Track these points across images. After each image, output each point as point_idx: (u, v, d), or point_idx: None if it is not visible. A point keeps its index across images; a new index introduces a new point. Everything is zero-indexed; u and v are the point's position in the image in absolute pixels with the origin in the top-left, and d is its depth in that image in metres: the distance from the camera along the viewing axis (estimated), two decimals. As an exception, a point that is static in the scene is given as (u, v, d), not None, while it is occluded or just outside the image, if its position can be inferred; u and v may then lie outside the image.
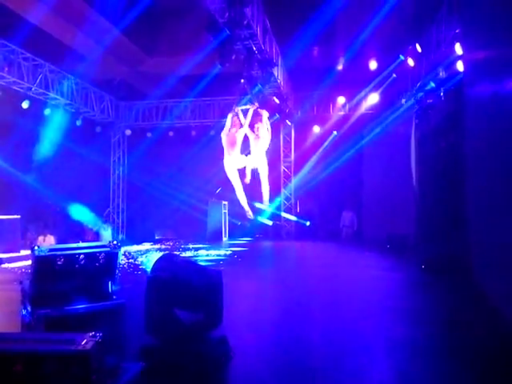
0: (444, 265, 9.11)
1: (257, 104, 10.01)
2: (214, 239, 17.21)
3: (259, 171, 9.65)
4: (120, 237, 17.74)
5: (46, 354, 2.91)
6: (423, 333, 5.56)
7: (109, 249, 4.60)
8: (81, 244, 4.68)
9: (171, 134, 18.03)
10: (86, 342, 2.86)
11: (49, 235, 14.60)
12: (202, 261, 12.17)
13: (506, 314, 5.48)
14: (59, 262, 4.37)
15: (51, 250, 4.55)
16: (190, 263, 4.96)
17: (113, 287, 4.61)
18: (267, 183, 9.88)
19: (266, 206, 10.70)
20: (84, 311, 4.23)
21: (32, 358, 2.89)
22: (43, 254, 4.29)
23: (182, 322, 4.36)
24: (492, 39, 6.64)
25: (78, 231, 14.97)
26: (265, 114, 9.82)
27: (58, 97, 14.17)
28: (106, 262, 4.61)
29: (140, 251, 14.35)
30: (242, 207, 10.43)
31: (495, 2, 6.55)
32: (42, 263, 4.28)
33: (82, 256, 4.48)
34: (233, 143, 9.40)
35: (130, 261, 12.01)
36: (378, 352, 5.11)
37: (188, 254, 13.73)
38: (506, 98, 5.72)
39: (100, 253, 4.60)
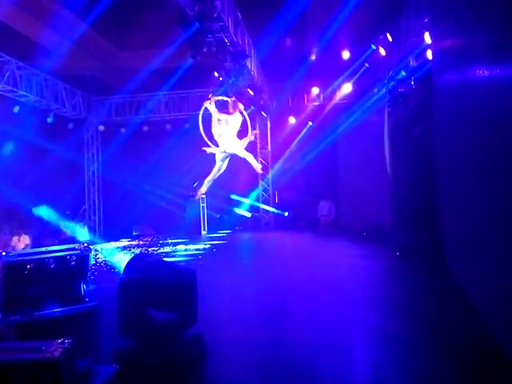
0: (418, 252, 9.30)
1: (233, 98, 9.88)
2: (193, 233, 17.17)
3: (237, 153, 9.52)
4: (95, 235, 17.52)
5: (15, 363, 2.90)
6: (396, 322, 5.68)
7: (79, 251, 4.56)
8: (50, 248, 4.62)
9: (146, 128, 17.83)
10: (55, 349, 2.85)
11: (23, 235, 14.32)
12: (180, 256, 12.16)
13: (477, 301, 5.63)
14: (29, 267, 4.32)
15: (20, 254, 4.49)
16: (163, 263, 4.95)
17: (85, 289, 4.58)
18: (248, 155, 9.74)
19: (259, 169, 10.76)
20: (56, 315, 4.20)
21: (1, 367, 2.87)
22: (11, 259, 4.22)
23: (156, 322, 4.36)
24: (458, 28, 6.73)
25: (54, 230, 14.73)
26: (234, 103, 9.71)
27: (26, 94, 13.83)
28: (78, 264, 4.57)
29: (117, 247, 14.24)
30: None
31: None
32: (11, 268, 4.21)
33: (52, 260, 4.45)
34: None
35: (107, 258, 11.90)
36: (353, 343, 5.20)
37: (166, 249, 13.68)
38: (470, 86, 5.82)
39: (71, 256, 4.56)
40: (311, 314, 6.27)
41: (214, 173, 9.75)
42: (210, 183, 10.03)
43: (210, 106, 9.15)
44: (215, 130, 9.24)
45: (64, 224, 14.76)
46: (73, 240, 13.92)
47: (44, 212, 14.52)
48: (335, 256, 11.43)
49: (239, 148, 9.40)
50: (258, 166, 10.26)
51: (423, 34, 9.94)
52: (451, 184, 7.77)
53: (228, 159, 9.65)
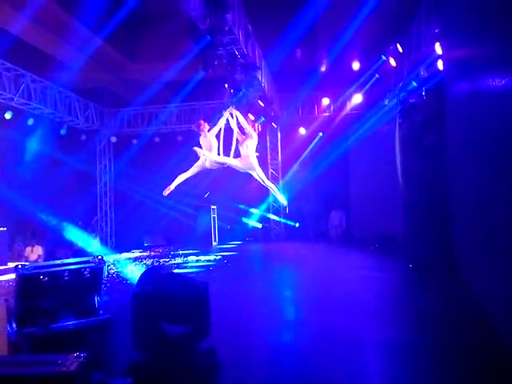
0: (431, 264, 9.19)
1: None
2: (204, 244, 17.20)
3: (256, 174, 9.29)
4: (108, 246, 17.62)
5: (31, 376, 2.91)
6: (410, 335, 5.62)
7: (94, 264, 4.60)
8: (65, 260, 4.66)
9: (157, 139, 17.99)
10: (71, 363, 2.86)
11: (36, 246, 14.49)
12: (191, 267, 12.17)
13: (491, 314, 5.55)
14: (44, 280, 4.36)
15: (35, 267, 4.53)
16: (176, 276, 4.97)
17: (99, 302, 4.61)
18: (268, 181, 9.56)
19: (283, 200, 10.60)
20: (70, 328, 4.22)
21: (17, 381, 2.89)
22: (27, 272, 4.27)
23: (169, 335, 4.36)
24: (469, 38, 6.73)
25: (67, 242, 14.85)
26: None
27: (40, 106, 14.07)
28: (92, 277, 4.60)
29: (129, 259, 14.30)
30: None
31: (473, 2, 6.64)
32: (27, 281, 4.26)
33: (66, 272, 4.49)
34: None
35: (120, 270, 11.95)
36: (367, 356, 5.15)
37: (177, 260, 13.71)
38: (482, 96, 5.80)
39: (85, 268, 4.60)
40: (323, 327, 6.22)
41: (190, 174, 9.42)
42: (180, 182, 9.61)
43: (231, 119, 8.81)
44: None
45: (77, 236, 14.90)
46: (85, 251, 14.02)
47: (75, 234, 14.65)
48: (347, 267, 11.35)
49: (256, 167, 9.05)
50: (280, 198, 10.04)
51: (434, 44, 9.96)
52: (464, 195, 7.70)
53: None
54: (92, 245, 15.70)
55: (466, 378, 4.30)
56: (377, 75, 14.71)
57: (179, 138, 17.74)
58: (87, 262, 4.56)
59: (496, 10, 4.84)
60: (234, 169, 9.22)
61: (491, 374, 4.29)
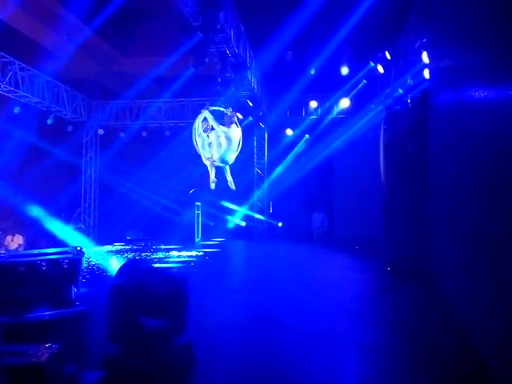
0: (408, 267, 9.36)
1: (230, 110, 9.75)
2: (187, 240, 17.20)
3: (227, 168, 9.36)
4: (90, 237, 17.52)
5: (0, 367, 2.91)
6: (384, 336, 5.74)
7: (72, 255, 4.60)
8: (43, 250, 4.65)
9: (144, 134, 17.93)
10: (42, 353, 2.87)
11: (17, 235, 14.31)
12: (173, 262, 12.18)
13: (464, 317, 5.70)
14: (20, 269, 4.35)
15: (12, 256, 4.53)
16: (155, 270, 4.99)
17: (76, 293, 4.60)
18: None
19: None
20: (45, 319, 4.19)
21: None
22: (3, 260, 4.26)
23: (146, 328, 4.38)
24: (455, 49, 6.88)
25: (48, 232, 14.73)
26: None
27: (28, 95, 13.94)
28: (70, 268, 4.58)
29: (111, 251, 14.25)
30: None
31: (460, 13, 6.79)
32: (2, 269, 4.24)
33: (44, 262, 4.48)
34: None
35: (100, 262, 11.92)
36: (342, 356, 5.25)
37: (159, 254, 13.71)
38: (465, 106, 5.94)
39: (63, 259, 4.58)
40: (301, 325, 6.31)
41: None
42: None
43: (208, 114, 9.01)
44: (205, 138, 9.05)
45: (59, 227, 14.78)
46: (66, 243, 13.93)
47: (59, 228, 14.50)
48: (327, 268, 11.49)
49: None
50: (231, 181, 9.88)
51: (421, 53, 10.10)
52: (442, 201, 7.87)
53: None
54: (74, 236, 15.60)
55: (438, 379, 4.42)
56: (364, 81, 14.89)
57: (167, 134, 17.73)
58: (66, 252, 4.54)
59: (479, 23, 4.99)
60: (218, 167, 9.29)
61: (463, 376, 4.41)
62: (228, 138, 8.77)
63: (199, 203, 18.28)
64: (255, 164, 18.86)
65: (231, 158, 8.97)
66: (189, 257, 13.36)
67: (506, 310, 3.87)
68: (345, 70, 15.25)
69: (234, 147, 8.87)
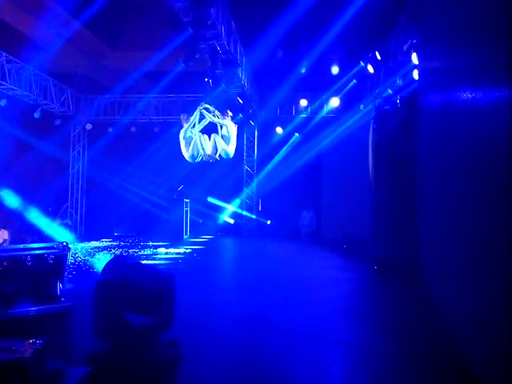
0: (395, 266, 9.44)
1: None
2: (175, 237, 17.14)
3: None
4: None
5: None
6: (370, 335, 5.78)
7: (58, 250, 4.55)
8: (29, 245, 4.60)
9: (133, 129, 17.81)
10: (25, 349, 2.84)
11: (2, 230, 14.14)
12: (160, 259, 12.13)
13: (449, 317, 5.76)
14: (4, 263, 4.30)
15: (-4, 250, 4.47)
16: (142, 266, 4.96)
17: (61, 289, 4.56)
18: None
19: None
20: (30, 314, 4.16)
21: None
22: (-13, 255, 4.21)
23: (131, 325, 4.36)
24: (443, 51, 6.94)
25: (35, 227, 14.57)
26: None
27: (15, 88, 13.74)
28: (55, 263, 4.54)
29: (98, 247, 14.15)
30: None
31: (449, 16, 6.84)
32: (-14, 264, 4.19)
33: (29, 257, 4.43)
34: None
35: (86, 258, 11.83)
36: (329, 355, 5.27)
37: (147, 251, 13.64)
38: (452, 107, 6.00)
39: (49, 254, 4.54)
40: (287, 323, 6.33)
41: None
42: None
43: (204, 111, 8.92)
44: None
45: (45, 222, 14.62)
46: (53, 238, 13.80)
47: (36, 216, 14.27)
48: (314, 266, 11.53)
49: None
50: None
51: (411, 54, 10.17)
52: (429, 201, 7.94)
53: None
54: (60, 232, 15.46)
55: (423, 378, 4.46)
56: (354, 80, 14.95)
57: (156, 129, 17.62)
58: (51, 247, 4.50)
59: (467, 25, 5.03)
60: (209, 163, 9.27)
61: (447, 376, 4.46)
62: (227, 132, 8.80)
63: (188, 200, 18.22)
64: (245, 161, 18.85)
65: (232, 151, 8.99)
66: (177, 254, 13.31)
67: (489, 309, 3.92)
68: (335, 70, 15.31)
69: (233, 140, 8.91)
